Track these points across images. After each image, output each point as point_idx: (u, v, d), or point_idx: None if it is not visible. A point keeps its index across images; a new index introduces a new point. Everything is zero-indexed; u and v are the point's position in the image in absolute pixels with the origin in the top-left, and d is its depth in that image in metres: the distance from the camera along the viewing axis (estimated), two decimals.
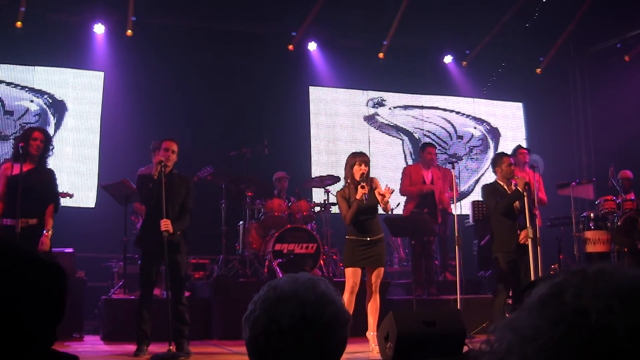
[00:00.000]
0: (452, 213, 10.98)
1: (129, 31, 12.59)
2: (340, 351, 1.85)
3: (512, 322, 0.83)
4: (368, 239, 7.71)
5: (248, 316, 1.81)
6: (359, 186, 7.63)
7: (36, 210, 7.34)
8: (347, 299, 7.55)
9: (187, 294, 9.77)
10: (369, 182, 7.77)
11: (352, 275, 7.67)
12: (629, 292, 0.78)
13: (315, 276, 1.86)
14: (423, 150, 11.14)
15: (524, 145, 12.91)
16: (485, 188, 8.90)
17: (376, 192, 7.72)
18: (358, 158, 7.84)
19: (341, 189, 7.95)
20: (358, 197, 7.62)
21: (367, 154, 8.22)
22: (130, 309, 8.48)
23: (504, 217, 8.48)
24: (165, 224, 7.29)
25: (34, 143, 7.36)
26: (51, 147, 7.68)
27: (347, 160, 7.95)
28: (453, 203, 9.72)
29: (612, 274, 0.82)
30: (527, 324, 0.81)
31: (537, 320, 0.80)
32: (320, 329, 1.75)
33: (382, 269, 7.84)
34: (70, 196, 9.21)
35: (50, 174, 7.58)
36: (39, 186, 7.36)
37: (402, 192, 10.85)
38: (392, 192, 7.69)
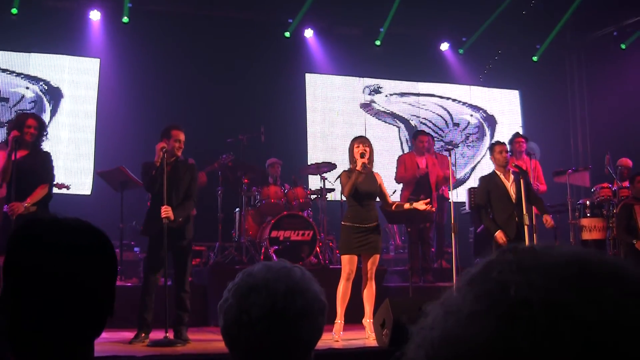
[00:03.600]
0: (449, 199, 11.01)
1: (125, 18, 12.57)
2: (314, 340, 1.84)
3: (444, 300, 0.84)
4: (364, 225, 7.72)
5: (222, 304, 1.81)
6: (359, 159, 7.68)
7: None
8: (344, 287, 7.59)
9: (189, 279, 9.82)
10: (372, 174, 7.82)
11: (348, 263, 7.68)
12: (551, 267, 0.79)
13: (291, 265, 1.85)
14: (415, 139, 11.18)
15: (521, 133, 12.91)
16: (481, 180, 9.01)
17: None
18: (356, 140, 7.98)
19: (345, 171, 7.99)
20: (358, 167, 7.65)
21: None
22: (126, 296, 8.43)
23: (503, 205, 8.54)
24: (166, 211, 7.27)
25: (28, 130, 7.31)
26: (45, 133, 7.64)
27: (348, 147, 8.02)
28: (450, 190, 9.73)
29: (542, 251, 0.83)
30: (454, 300, 0.82)
31: (463, 295, 0.81)
32: (291, 320, 1.74)
33: (377, 256, 7.85)
34: (67, 187, 9.17)
35: (46, 157, 7.53)
36: (36, 171, 7.32)
37: (397, 180, 10.87)
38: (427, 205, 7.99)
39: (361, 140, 7.97)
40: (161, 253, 7.42)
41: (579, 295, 0.75)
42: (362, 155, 7.72)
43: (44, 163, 7.47)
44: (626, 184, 10.63)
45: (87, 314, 1.54)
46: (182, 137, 7.66)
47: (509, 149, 9.01)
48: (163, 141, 7.55)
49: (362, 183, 7.74)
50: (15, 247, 1.55)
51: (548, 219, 8.65)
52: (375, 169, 8.02)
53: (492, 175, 8.80)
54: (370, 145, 7.91)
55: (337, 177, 8.35)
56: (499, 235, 8.45)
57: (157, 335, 7.36)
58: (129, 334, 7.44)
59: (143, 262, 7.58)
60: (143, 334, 7.37)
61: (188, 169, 7.78)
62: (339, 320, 7.63)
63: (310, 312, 1.78)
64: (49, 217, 1.60)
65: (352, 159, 7.90)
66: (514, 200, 8.55)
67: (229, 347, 1.82)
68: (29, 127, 7.34)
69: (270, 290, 1.74)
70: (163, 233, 7.26)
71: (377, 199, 8.02)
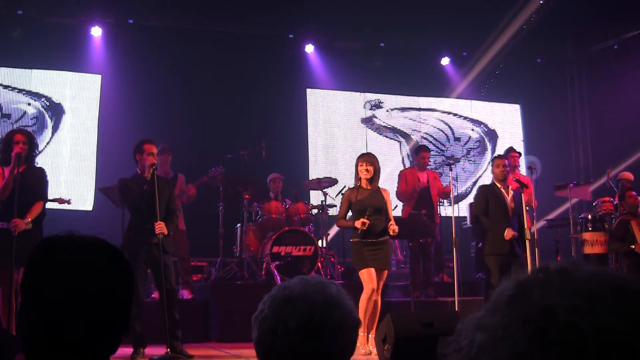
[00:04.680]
0: (440, 214, 11.01)
1: (126, 34, 12.64)
2: (348, 355, 1.85)
3: (481, 322, 0.84)
4: (372, 240, 7.69)
5: (257, 316, 1.82)
6: (361, 221, 7.61)
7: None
8: (366, 302, 7.51)
9: (190, 296, 9.81)
10: (379, 190, 7.80)
11: (368, 278, 7.60)
12: (594, 291, 0.79)
13: (326, 279, 1.87)
14: (417, 154, 11.17)
15: (520, 147, 12.93)
16: (479, 189, 9.02)
17: (390, 228, 7.76)
18: (361, 158, 7.95)
19: (350, 189, 7.98)
20: (357, 225, 7.64)
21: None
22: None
23: (499, 217, 8.53)
24: (160, 227, 7.26)
25: (16, 146, 7.31)
26: (35, 147, 7.63)
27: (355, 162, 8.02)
28: (450, 205, 9.70)
29: (576, 272, 0.83)
30: (497, 324, 0.81)
31: (506, 319, 0.81)
32: (327, 332, 1.75)
33: (386, 272, 7.83)
34: (68, 202, 9.17)
35: (41, 173, 7.53)
36: (32, 187, 7.32)
37: (397, 195, 10.85)
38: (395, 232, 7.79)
39: (365, 158, 7.94)
40: (142, 269, 7.42)
41: (625, 319, 0.76)
42: (368, 213, 7.67)
43: (40, 180, 7.48)
44: None
45: (104, 330, 1.55)
46: (155, 150, 7.60)
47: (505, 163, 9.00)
48: (150, 156, 7.50)
49: (368, 198, 7.73)
50: (34, 264, 1.57)
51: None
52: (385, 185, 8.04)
53: (492, 185, 8.82)
54: (374, 163, 7.88)
55: (340, 192, 8.35)
56: (508, 233, 8.39)
57: (158, 351, 7.34)
58: (129, 350, 7.41)
59: None
60: (141, 349, 7.36)
61: (165, 184, 7.77)
62: (362, 333, 7.57)
63: (345, 326, 1.80)
64: (66, 234, 1.61)
65: (357, 176, 7.91)
66: (510, 214, 8.55)
67: (261, 358, 1.83)
68: (17, 142, 7.32)
69: (307, 302, 1.76)
70: (147, 248, 7.28)
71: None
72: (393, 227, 7.71)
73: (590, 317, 0.76)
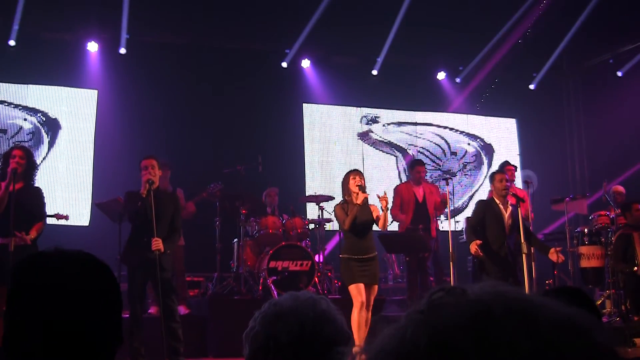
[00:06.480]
0: (438, 229, 10.99)
1: (122, 49, 12.65)
2: None
3: (377, 342, 0.79)
4: (363, 257, 7.75)
5: (248, 332, 1.81)
6: (359, 192, 7.70)
7: (28, 230, 7.27)
8: (358, 315, 7.56)
9: (187, 311, 9.76)
10: (367, 205, 7.84)
11: (357, 292, 7.68)
12: (458, 310, 0.74)
13: (316, 295, 1.86)
14: (412, 169, 11.17)
15: (516, 161, 12.94)
16: (477, 204, 9.00)
17: (379, 201, 7.78)
18: (351, 173, 8.05)
19: (339, 203, 8.01)
20: (359, 201, 7.66)
21: (361, 170, 8.33)
22: (126, 327, 8.40)
23: (495, 232, 8.52)
24: (157, 243, 7.22)
25: (13, 161, 7.30)
26: (33, 163, 7.61)
27: (342, 180, 8.06)
28: (447, 219, 9.69)
29: (466, 291, 0.78)
30: (383, 350, 0.76)
31: (392, 347, 0.76)
32: (319, 347, 1.74)
33: (376, 287, 7.87)
34: (66, 218, 9.15)
35: (38, 193, 7.52)
36: (29, 205, 7.30)
37: (392, 213, 10.82)
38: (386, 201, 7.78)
39: (357, 172, 8.05)
40: (141, 283, 7.39)
41: (476, 342, 0.70)
42: (361, 189, 7.76)
43: (37, 200, 7.46)
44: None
45: (94, 345, 1.53)
46: (151, 164, 7.51)
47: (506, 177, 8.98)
48: (147, 172, 7.48)
49: (359, 214, 7.77)
50: (20, 278, 1.56)
51: (554, 253, 8.45)
52: (371, 200, 8.07)
53: (490, 201, 8.81)
54: (364, 178, 8.01)
55: (332, 212, 8.38)
56: (473, 246, 8.36)
57: None
58: None
59: (127, 293, 7.48)
60: None
61: (171, 199, 7.73)
62: None
63: (337, 341, 1.79)
64: (52, 249, 1.59)
65: (347, 191, 7.95)
66: (507, 231, 8.52)
67: None
68: (13, 157, 7.32)
69: (299, 317, 1.75)
70: (143, 263, 7.24)
71: (375, 227, 8.03)
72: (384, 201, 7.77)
73: (438, 335, 0.71)
